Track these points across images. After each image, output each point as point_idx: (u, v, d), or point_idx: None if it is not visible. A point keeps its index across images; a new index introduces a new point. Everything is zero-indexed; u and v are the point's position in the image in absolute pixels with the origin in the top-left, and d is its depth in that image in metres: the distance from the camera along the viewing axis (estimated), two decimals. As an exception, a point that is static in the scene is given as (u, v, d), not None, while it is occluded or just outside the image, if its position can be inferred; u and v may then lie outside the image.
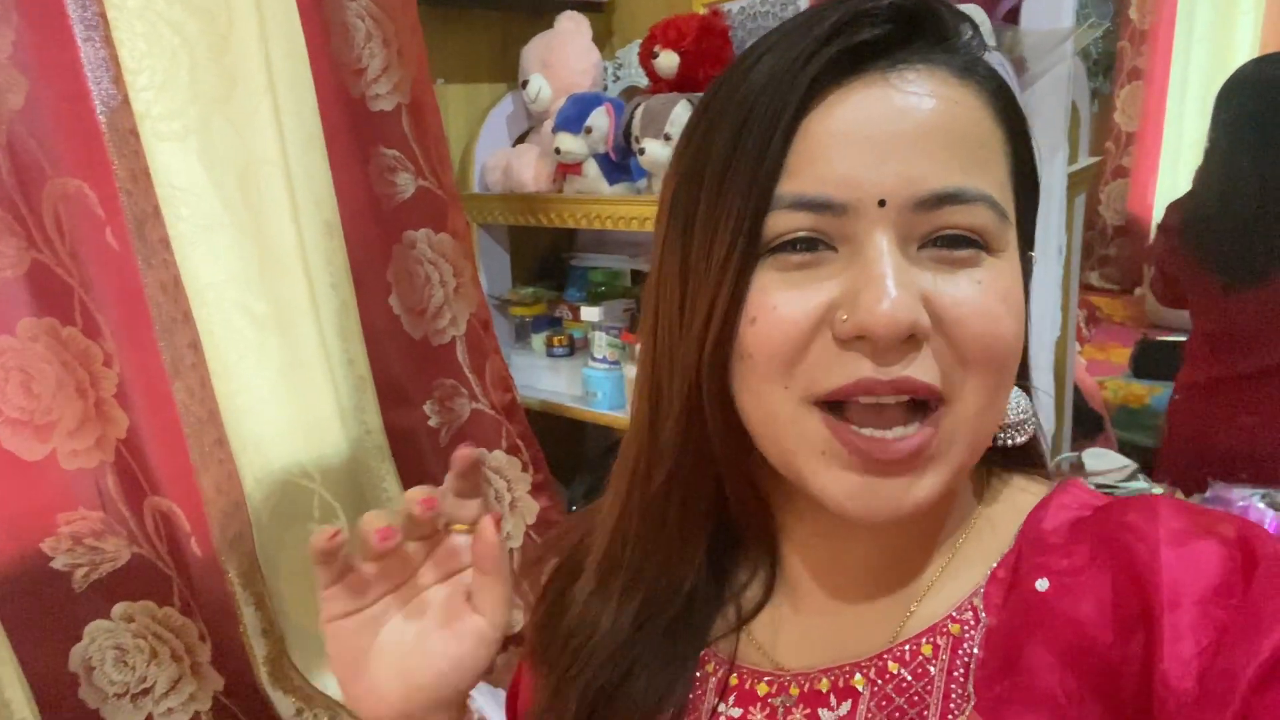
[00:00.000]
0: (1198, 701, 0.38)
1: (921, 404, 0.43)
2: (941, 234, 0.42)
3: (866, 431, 0.42)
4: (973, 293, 0.42)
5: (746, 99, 0.43)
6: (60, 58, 0.94)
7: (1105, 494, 0.50)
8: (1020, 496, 0.51)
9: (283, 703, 1.16)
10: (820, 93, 0.42)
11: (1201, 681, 0.38)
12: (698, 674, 0.54)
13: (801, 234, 0.42)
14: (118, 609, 1.09)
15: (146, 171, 1.02)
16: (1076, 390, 2.16)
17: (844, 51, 0.42)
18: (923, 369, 0.41)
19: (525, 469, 1.47)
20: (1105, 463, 1.72)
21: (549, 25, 1.53)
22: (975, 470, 0.52)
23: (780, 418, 0.44)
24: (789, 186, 0.42)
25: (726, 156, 0.43)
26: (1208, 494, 1.50)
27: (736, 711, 0.51)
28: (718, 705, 0.52)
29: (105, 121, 0.97)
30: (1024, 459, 0.54)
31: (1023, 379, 0.51)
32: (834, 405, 0.43)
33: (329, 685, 1.23)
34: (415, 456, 1.39)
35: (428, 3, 1.35)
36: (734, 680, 0.52)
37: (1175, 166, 3.00)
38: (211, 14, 1.10)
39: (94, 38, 0.95)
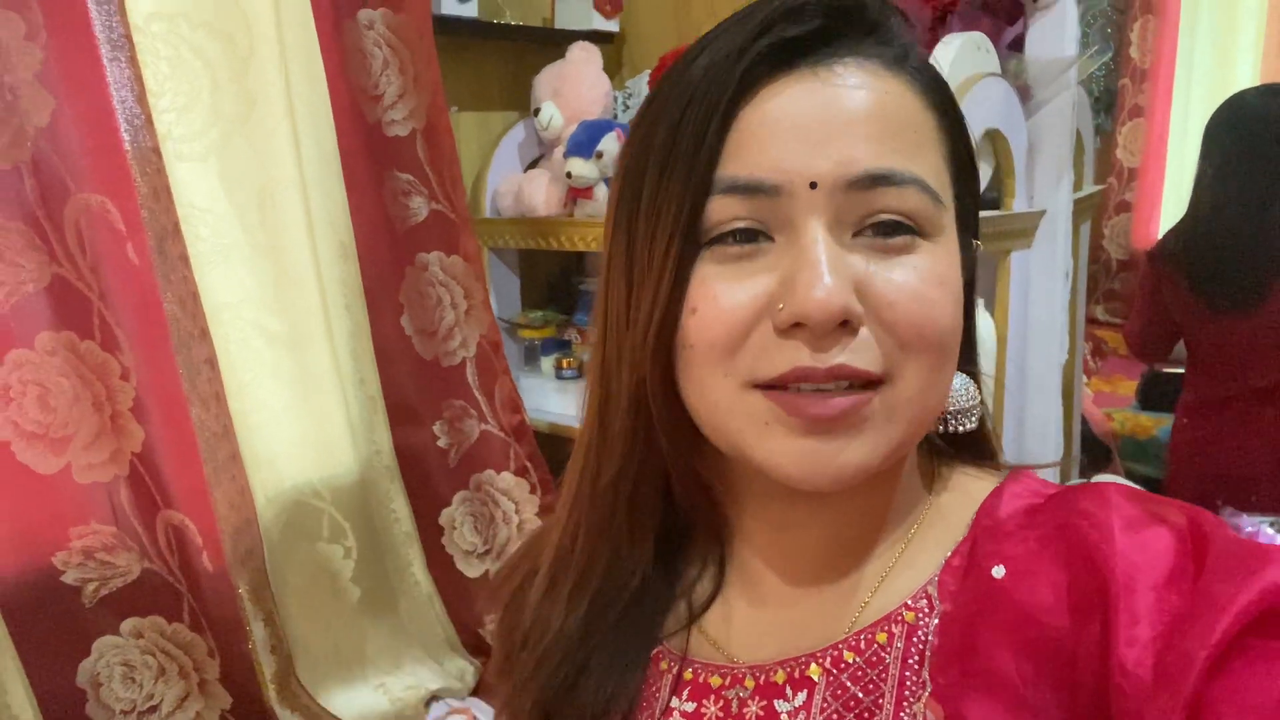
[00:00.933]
0: (1154, 686, 0.38)
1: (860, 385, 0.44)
2: (876, 219, 0.43)
3: (804, 392, 0.43)
4: (907, 278, 0.43)
5: (684, 94, 0.44)
6: (87, 76, 0.96)
7: (1057, 484, 0.50)
8: (972, 485, 0.51)
9: (289, 721, 1.16)
10: (752, 86, 0.43)
11: (1157, 667, 0.38)
12: (650, 672, 0.53)
13: (739, 224, 0.43)
14: (127, 625, 1.09)
15: (168, 188, 1.04)
16: (1085, 421, 2.17)
17: (775, 46, 0.43)
18: (859, 355, 0.42)
19: (533, 490, 1.47)
20: (1114, 489, 1.72)
21: (560, 55, 1.56)
22: (925, 461, 0.53)
23: (723, 402, 0.45)
24: (724, 171, 0.43)
25: (667, 148, 0.44)
26: (1218, 521, 1.50)
27: (690, 706, 0.51)
28: (671, 701, 0.51)
29: (129, 139, 0.99)
30: (975, 449, 0.54)
31: (969, 365, 0.51)
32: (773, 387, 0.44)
33: (336, 704, 1.22)
34: (424, 477, 1.40)
35: (442, 33, 1.38)
36: (688, 675, 0.52)
37: (1178, 201, 3.02)
38: (233, 38, 1.12)
39: (119, 58, 0.98)
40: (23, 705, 1.03)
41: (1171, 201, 3.07)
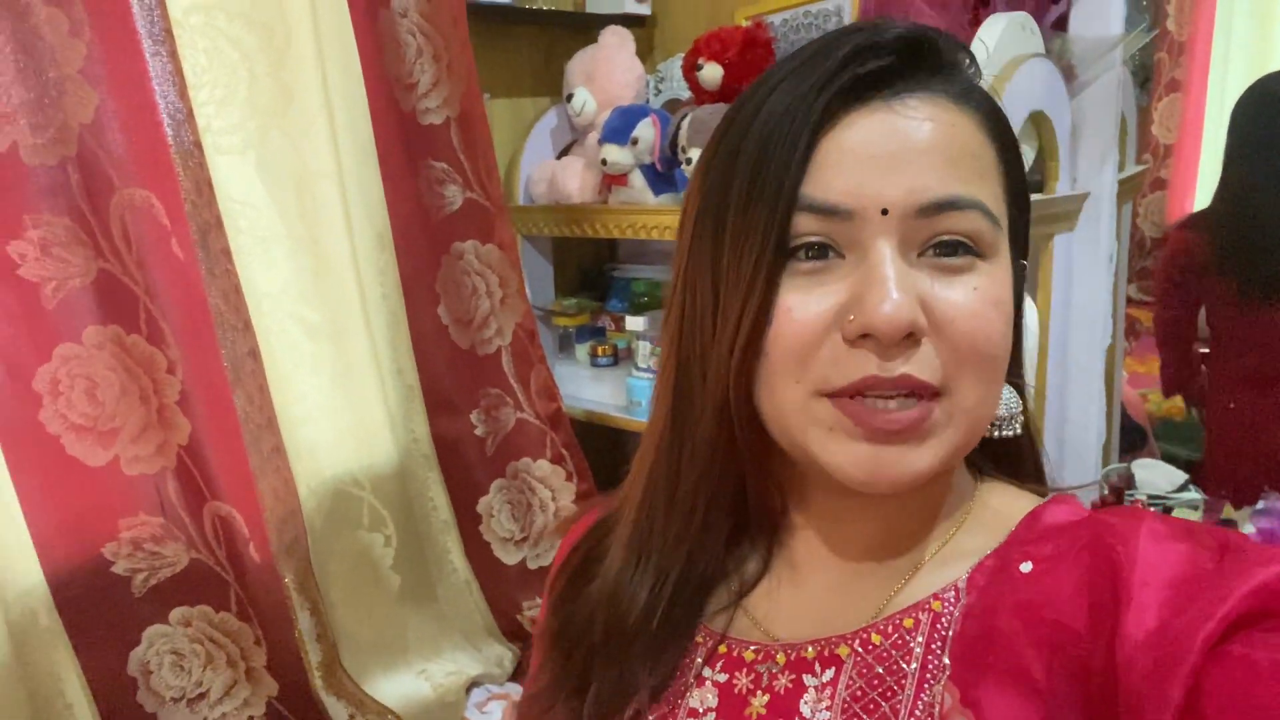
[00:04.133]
0: (1154, 664, 0.40)
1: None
2: (939, 240, 0.46)
3: (870, 404, 0.46)
4: (966, 297, 0.46)
5: (767, 123, 0.48)
6: (129, 71, 0.96)
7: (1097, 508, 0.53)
8: (1017, 503, 0.54)
9: (336, 708, 1.17)
10: (831, 117, 0.47)
11: (1160, 646, 0.40)
12: (689, 648, 0.56)
13: (813, 239, 0.47)
14: (175, 614, 1.10)
15: (210, 182, 1.04)
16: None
17: (854, 80, 0.47)
18: (921, 366, 0.46)
19: (569, 478, 1.47)
20: (1155, 474, 1.69)
21: (592, 40, 1.55)
22: (973, 476, 0.57)
23: (791, 407, 0.48)
24: (804, 191, 0.47)
25: (753, 173, 0.48)
26: (1260, 505, 1.48)
27: (723, 677, 0.54)
28: (704, 670, 0.55)
29: (171, 133, 0.99)
30: (1018, 461, 0.57)
31: (1016, 377, 0.55)
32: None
33: (379, 691, 1.23)
34: (461, 465, 1.41)
35: (474, 19, 1.37)
36: (723, 649, 0.55)
37: (1214, 178, 2.96)
38: (270, 29, 1.12)
39: (161, 52, 0.98)
40: (76, 693, 1.05)
41: (1208, 178, 3.01)
